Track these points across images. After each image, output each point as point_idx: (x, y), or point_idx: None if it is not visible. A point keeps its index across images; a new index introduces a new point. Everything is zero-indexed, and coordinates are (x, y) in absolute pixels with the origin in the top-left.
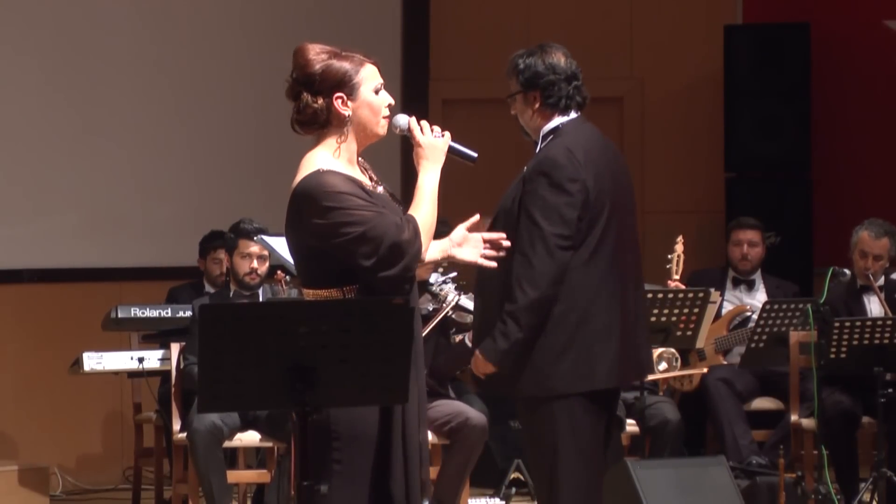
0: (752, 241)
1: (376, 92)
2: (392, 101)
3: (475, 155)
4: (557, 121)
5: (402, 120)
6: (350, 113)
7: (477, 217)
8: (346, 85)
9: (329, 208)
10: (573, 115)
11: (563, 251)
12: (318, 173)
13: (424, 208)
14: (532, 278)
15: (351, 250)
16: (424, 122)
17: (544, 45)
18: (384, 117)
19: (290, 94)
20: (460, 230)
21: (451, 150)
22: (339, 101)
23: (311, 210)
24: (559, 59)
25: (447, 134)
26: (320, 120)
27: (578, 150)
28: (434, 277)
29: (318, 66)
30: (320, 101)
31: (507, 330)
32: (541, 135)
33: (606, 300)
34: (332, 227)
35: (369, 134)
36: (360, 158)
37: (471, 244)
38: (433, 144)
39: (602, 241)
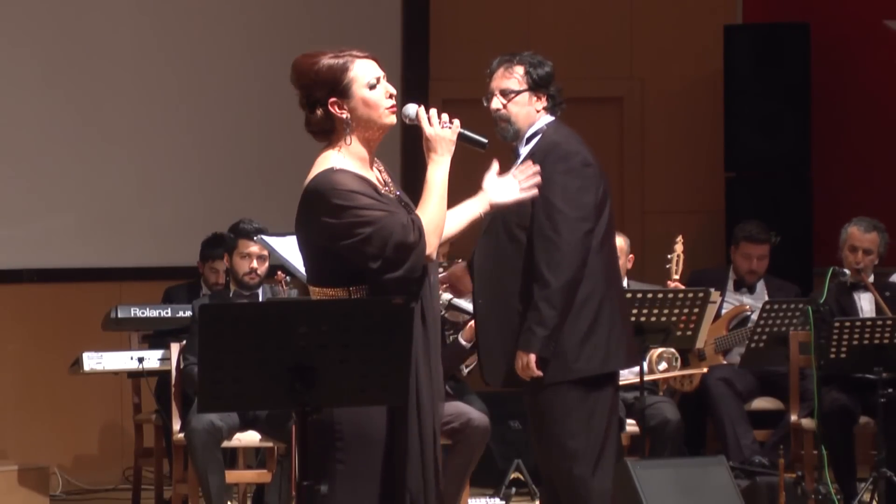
0: (762, 256)
1: (371, 87)
2: (394, 91)
3: (486, 141)
4: (544, 120)
5: (412, 109)
6: (347, 115)
7: (496, 164)
8: (337, 88)
9: (339, 206)
10: (553, 117)
11: (586, 234)
12: (330, 171)
13: (431, 205)
14: (560, 261)
15: (359, 251)
16: (433, 112)
17: (534, 54)
18: (388, 108)
19: (301, 106)
20: (490, 180)
21: (460, 137)
22: (335, 105)
23: (321, 208)
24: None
25: (456, 122)
26: (327, 128)
27: (578, 142)
28: None
29: (307, 78)
30: (319, 111)
31: (543, 316)
32: (527, 133)
33: (615, 285)
34: (342, 226)
35: (376, 127)
36: (376, 160)
37: (505, 185)
38: (440, 136)
39: (607, 229)
